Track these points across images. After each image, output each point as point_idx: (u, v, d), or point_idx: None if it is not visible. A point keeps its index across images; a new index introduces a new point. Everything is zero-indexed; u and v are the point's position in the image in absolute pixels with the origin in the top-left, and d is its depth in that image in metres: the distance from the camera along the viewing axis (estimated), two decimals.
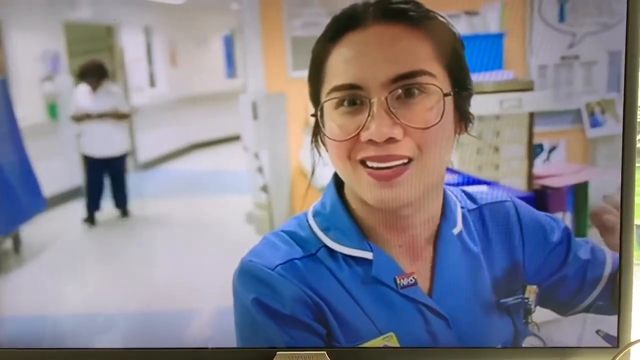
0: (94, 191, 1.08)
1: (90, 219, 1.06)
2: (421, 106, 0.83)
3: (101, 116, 1.08)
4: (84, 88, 1.05)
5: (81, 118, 1.08)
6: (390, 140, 0.83)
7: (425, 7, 0.85)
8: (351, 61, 0.84)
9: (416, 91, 0.83)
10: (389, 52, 0.83)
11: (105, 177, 1.10)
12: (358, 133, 0.84)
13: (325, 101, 0.85)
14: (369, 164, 0.84)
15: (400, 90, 0.82)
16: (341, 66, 0.84)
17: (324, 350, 0.93)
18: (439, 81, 0.83)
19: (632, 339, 0.94)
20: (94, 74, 1.05)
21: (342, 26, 0.84)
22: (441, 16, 0.85)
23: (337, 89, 0.84)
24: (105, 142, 1.09)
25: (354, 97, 0.84)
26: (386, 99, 0.82)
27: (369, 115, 0.83)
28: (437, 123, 0.84)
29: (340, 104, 0.84)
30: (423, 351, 0.94)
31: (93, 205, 1.06)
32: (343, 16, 0.85)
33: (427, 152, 0.84)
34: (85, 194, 1.06)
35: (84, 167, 1.07)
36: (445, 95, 0.84)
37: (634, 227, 0.93)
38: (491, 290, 0.94)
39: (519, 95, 0.95)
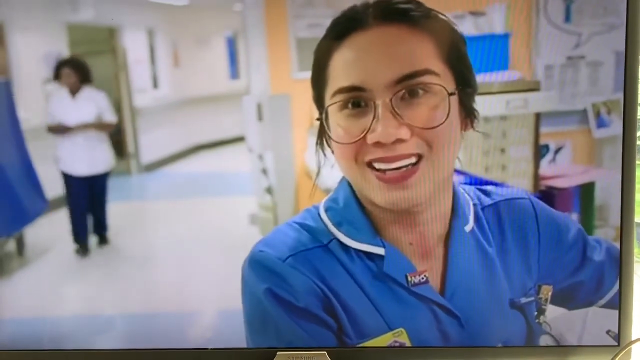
0: (79, 213, 1.01)
1: (83, 248, 1.01)
2: (426, 106, 0.83)
3: (84, 127, 0.99)
4: (61, 92, 1.00)
5: (60, 129, 1.00)
6: (398, 141, 0.83)
7: (425, 5, 0.85)
8: (354, 63, 0.83)
9: (420, 91, 0.83)
10: (392, 52, 0.83)
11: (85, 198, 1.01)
12: (364, 136, 0.83)
13: (329, 105, 0.85)
14: (377, 165, 0.84)
15: (404, 91, 0.82)
16: (344, 68, 0.84)
17: (324, 350, 0.93)
18: (442, 80, 0.83)
19: (634, 337, 0.94)
20: (73, 73, 0.98)
21: (343, 28, 0.84)
22: (441, 14, 0.85)
23: (340, 91, 0.83)
24: (88, 157, 1.03)
25: (357, 99, 0.83)
26: (390, 100, 0.82)
27: (374, 117, 0.83)
28: (443, 122, 0.84)
29: (344, 106, 0.84)
30: (426, 351, 0.93)
31: (81, 231, 1.00)
32: (343, 18, 0.85)
33: (436, 149, 0.84)
34: (69, 220, 0.99)
35: (65, 188, 1.00)
36: (449, 94, 0.84)
37: (634, 224, 0.93)
38: (505, 289, 0.93)
39: (525, 96, 0.95)
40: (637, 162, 0.95)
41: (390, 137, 0.82)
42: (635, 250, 0.95)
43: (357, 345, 0.92)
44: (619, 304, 0.94)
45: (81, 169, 1.01)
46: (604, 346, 0.95)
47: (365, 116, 0.83)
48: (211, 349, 1.00)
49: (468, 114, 0.87)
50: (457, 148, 0.88)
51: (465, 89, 0.86)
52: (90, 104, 0.98)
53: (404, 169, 0.84)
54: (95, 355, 1.03)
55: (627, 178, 0.92)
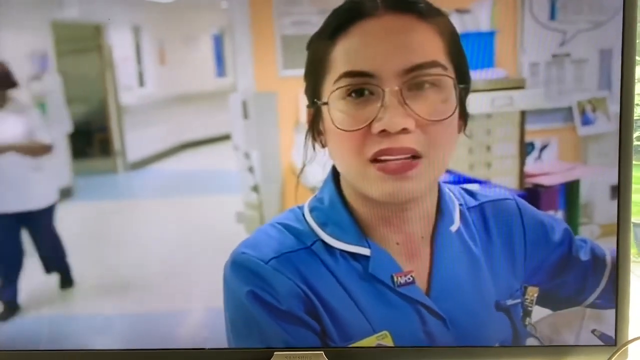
0: (9, 264, 0.88)
1: (65, 281, 0.91)
2: (433, 98, 0.83)
3: (9, 148, 0.81)
4: None
5: None
6: (403, 131, 0.82)
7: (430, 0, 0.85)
8: (362, 49, 0.82)
9: (428, 84, 0.82)
10: (403, 41, 0.82)
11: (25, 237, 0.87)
12: (369, 124, 0.83)
13: (333, 90, 0.83)
14: (381, 158, 0.83)
15: (413, 81, 0.82)
16: (351, 54, 0.83)
17: (321, 351, 0.93)
18: (449, 73, 0.83)
19: (630, 337, 0.95)
20: None
21: (350, 15, 0.83)
22: (440, 8, 0.85)
23: (347, 75, 0.82)
24: (19, 189, 0.89)
25: (364, 86, 0.82)
26: (400, 89, 0.82)
27: (381, 105, 0.82)
28: (450, 116, 0.84)
29: (348, 93, 0.83)
30: (423, 350, 0.93)
31: (8, 286, 0.86)
32: (349, 6, 0.84)
33: (436, 146, 0.84)
34: None
35: None
36: (460, 87, 0.84)
37: (631, 224, 0.93)
38: (491, 290, 0.93)
39: (510, 94, 0.95)
40: (637, 162, 0.95)
41: (396, 125, 0.81)
42: (633, 251, 0.95)
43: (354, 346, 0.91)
44: (616, 303, 0.94)
45: (11, 204, 0.84)
46: (601, 346, 0.95)
47: (369, 105, 0.82)
48: (209, 348, 1.00)
49: (462, 115, 0.87)
50: (453, 149, 0.88)
51: (465, 88, 0.86)
52: (18, 121, 0.81)
53: (405, 160, 0.83)
54: (90, 355, 1.03)
55: (624, 175, 0.92)
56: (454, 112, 0.84)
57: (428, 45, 0.83)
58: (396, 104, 0.82)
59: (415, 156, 0.83)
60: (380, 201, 0.87)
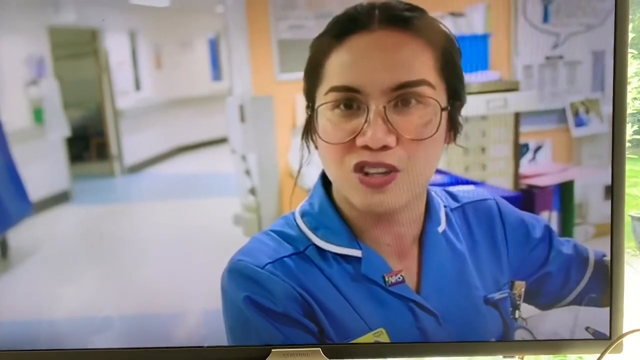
0: None
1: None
2: (417, 117, 0.84)
3: None
4: None
5: None
6: (384, 147, 0.83)
7: (429, 15, 0.86)
8: (353, 64, 0.84)
9: (414, 101, 0.83)
10: (392, 58, 0.83)
11: None
12: (354, 138, 0.84)
13: (322, 103, 0.85)
14: (362, 169, 0.85)
15: (398, 99, 0.83)
16: (342, 67, 0.84)
17: (318, 347, 0.94)
18: (437, 93, 0.84)
19: (624, 330, 0.96)
20: None
21: (345, 27, 0.84)
22: (442, 24, 0.86)
23: (335, 89, 0.84)
24: None
25: (351, 100, 0.84)
26: (384, 107, 0.83)
27: (365, 121, 0.83)
28: (432, 135, 0.85)
29: (336, 106, 0.85)
30: (416, 346, 0.94)
31: None
32: (346, 17, 0.85)
33: (417, 162, 0.85)
34: None
35: None
36: (442, 109, 0.85)
37: (624, 220, 0.94)
38: (478, 286, 0.95)
39: (504, 96, 0.96)
40: (635, 156, 0.96)
41: (378, 142, 0.83)
42: (633, 244, 0.96)
43: (352, 342, 0.92)
44: (610, 297, 0.96)
45: None
46: (596, 339, 0.97)
47: (356, 118, 0.84)
48: (207, 346, 1.00)
49: (452, 127, 0.88)
50: (436, 162, 0.89)
51: (456, 102, 0.87)
52: None
53: (384, 175, 0.85)
54: (90, 354, 1.03)
55: (617, 171, 0.93)
56: (434, 133, 0.85)
57: (417, 63, 0.84)
58: (380, 121, 0.83)
59: (394, 170, 0.85)
60: (363, 210, 0.89)
